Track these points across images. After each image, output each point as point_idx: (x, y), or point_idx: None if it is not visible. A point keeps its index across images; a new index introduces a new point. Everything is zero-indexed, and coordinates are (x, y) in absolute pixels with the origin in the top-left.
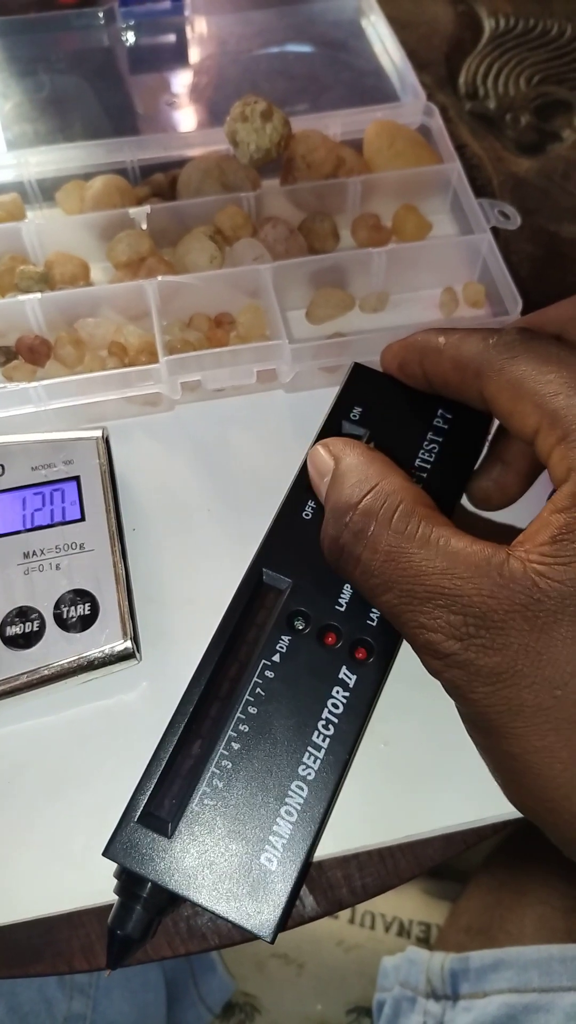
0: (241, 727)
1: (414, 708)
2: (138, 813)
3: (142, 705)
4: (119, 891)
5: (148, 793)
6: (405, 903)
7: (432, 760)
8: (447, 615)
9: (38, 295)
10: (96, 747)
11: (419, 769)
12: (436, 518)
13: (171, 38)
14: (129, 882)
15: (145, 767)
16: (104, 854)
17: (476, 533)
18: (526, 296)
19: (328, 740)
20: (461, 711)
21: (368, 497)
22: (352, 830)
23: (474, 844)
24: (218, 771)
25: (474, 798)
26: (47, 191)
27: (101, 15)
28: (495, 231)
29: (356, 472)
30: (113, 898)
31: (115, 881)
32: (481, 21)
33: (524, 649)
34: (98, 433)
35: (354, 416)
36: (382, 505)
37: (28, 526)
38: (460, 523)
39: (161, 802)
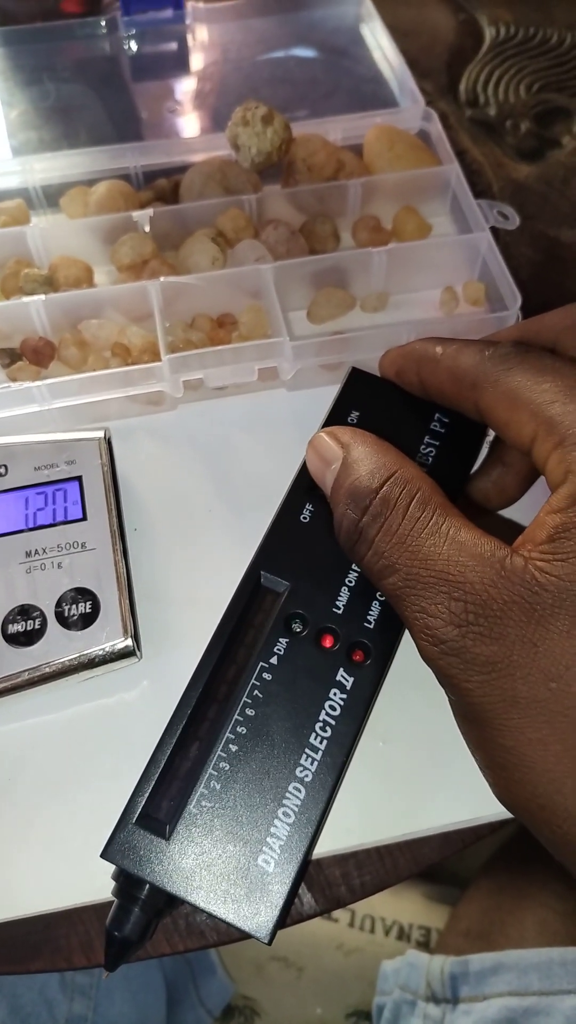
0: (239, 729)
1: (413, 706)
2: (135, 815)
3: (143, 704)
4: (117, 893)
5: (146, 795)
6: (405, 907)
7: (430, 758)
8: (448, 601)
9: (42, 297)
10: (97, 745)
11: (417, 767)
12: (450, 509)
13: (173, 46)
14: (127, 884)
15: (143, 769)
16: (102, 856)
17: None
18: (526, 299)
19: (325, 742)
20: (453, 703)
21: (388, 483)
22: (350, 828)
23: (472, 843)
24: (216, 773)
25: (472, 797)
26: (52, 197)
27: (104, 24)
28: (495, 232)
29: (371, 459)
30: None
31: (113, 882)
32: (482, 29)
33: (520, 640)
34: (100, 434)
35: (352, 420)
36: (401, 491)
37: (30, 525)
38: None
39: (159, 804)
